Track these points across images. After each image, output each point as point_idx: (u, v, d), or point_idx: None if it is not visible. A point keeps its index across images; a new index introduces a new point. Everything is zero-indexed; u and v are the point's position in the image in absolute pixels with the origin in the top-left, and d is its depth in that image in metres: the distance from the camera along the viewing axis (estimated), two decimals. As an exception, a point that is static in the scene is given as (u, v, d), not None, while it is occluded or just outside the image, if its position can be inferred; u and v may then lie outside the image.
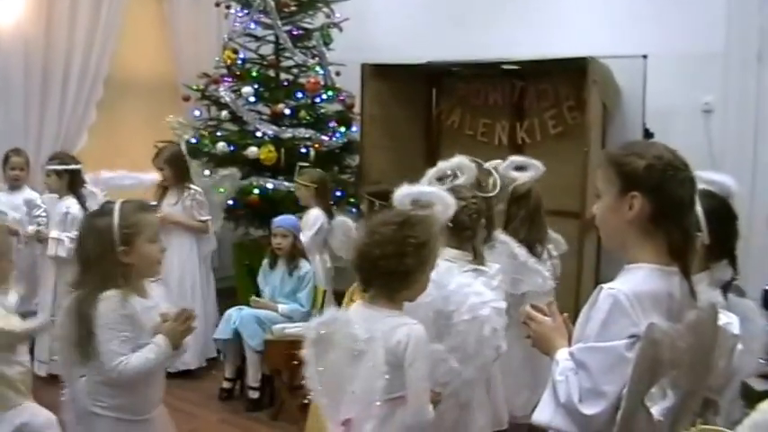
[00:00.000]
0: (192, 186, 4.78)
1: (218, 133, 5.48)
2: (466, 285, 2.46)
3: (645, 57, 4.75)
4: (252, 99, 5.39)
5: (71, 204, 4.36)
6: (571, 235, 3.95)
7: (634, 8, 4.95)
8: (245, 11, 5.57)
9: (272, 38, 5.66)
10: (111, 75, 5.66)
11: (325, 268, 4.46)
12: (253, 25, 5.63)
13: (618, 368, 1.54)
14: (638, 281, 1.62)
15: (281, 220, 4.42)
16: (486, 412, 2.68)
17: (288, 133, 5.30)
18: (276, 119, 5.42)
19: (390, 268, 2.10)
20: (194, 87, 5.69)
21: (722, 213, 2.17)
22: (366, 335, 2.08)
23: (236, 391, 4.38)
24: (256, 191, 5.21)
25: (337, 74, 5.69)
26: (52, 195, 4.52)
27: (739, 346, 1.90)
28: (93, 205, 4.54)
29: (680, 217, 1.65)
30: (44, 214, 4.58)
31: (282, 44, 5.56)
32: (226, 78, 5.53)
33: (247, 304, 4.35)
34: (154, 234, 2.36)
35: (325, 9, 5.71)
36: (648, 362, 1.50)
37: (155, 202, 4.62)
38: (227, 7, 5.72)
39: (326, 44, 5.62)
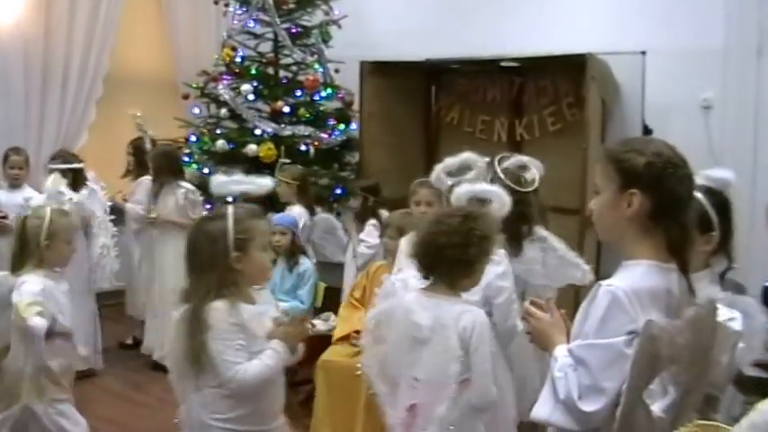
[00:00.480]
0: (183, 185, 4.82)
1: (218, 131, 5.49)
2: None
3: (644, 53, 4.74)
4: (251, 97, 5.38)
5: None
6: (571, 231, 3.94)
7: (633, 4, 4.94)
8: (244, 8, 5.55)
9: (270, 35, 5.64)
10: (110, 73, 5.68)
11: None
12: (251, 23, 5.61)
13: (617, 364, 1.55)
14: (636, 277, 1.62)
15: (280, 218, 4.43)
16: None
17: (287, 131, 5.28)
18: (275, 116, 5.41)
19: (456, 257, 2.21)
20: (193, 85, 5.69)
21: (721, 210, 2.17)
22: (429, 322, 2.20)
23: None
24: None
25: (336, 71, 5.68)
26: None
27: (740, 344, 1.91)
28: (93, 203, 4.57)
29: (678, 214, 1.65)
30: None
31: (281, 42, 5.55)
32: (225, 76, 5.52)
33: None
34: (266, 242, 2.31)
35: (324, 6, 5.69)
36: (647, 358, 1.51)
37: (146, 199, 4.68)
38: (226, 5, 5.72)
39: (325, 41, 5.61)
